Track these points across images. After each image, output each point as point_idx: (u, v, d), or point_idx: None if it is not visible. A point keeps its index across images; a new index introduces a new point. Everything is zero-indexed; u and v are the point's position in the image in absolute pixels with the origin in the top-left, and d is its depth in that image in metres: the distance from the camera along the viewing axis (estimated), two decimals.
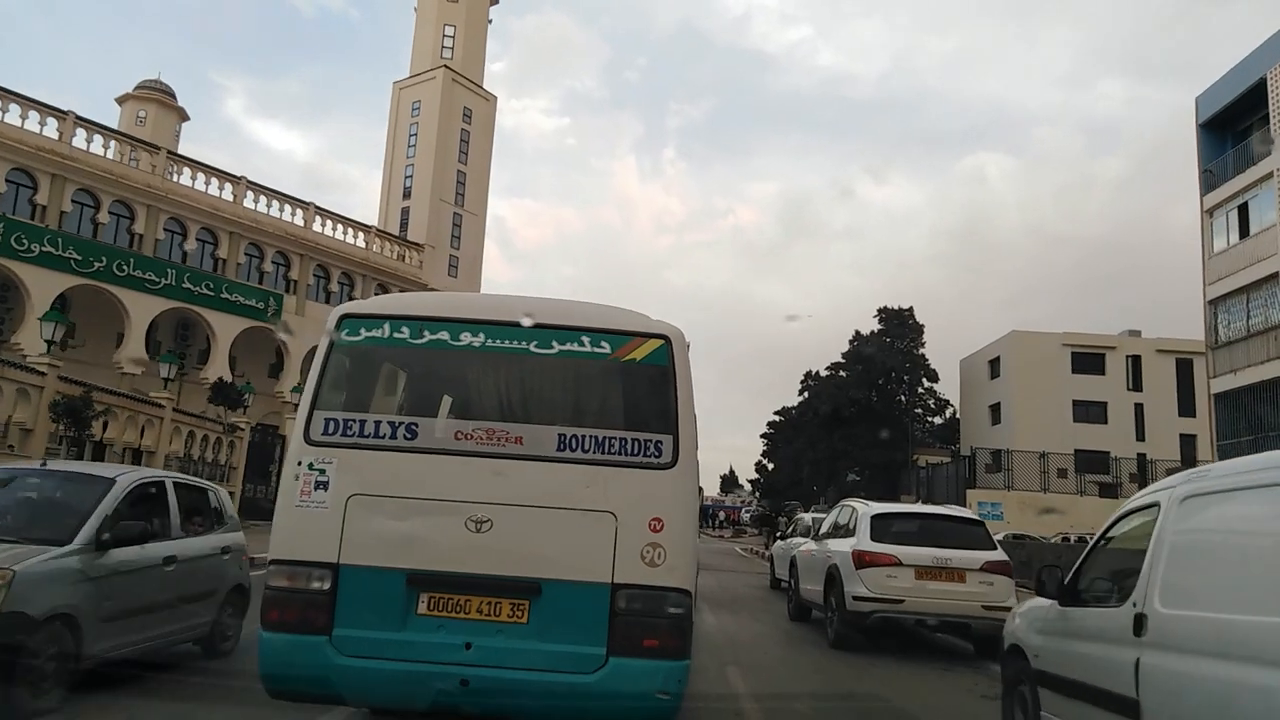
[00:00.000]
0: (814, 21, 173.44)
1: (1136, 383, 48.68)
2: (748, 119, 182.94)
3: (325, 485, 4.33)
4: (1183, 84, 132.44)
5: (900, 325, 57.18)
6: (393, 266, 44.93)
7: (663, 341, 4.59)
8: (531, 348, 4.63)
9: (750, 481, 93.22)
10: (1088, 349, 48.98)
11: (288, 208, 41.02)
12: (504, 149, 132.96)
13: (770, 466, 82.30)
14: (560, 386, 4.92)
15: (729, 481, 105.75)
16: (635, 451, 4.42)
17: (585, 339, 4.61)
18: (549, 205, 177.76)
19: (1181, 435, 47.38)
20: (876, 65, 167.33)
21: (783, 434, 75.57)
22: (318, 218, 42.09)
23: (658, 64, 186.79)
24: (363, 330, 4.74)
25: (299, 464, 4.40)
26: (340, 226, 43.33)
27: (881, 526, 9.39)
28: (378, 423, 4.54)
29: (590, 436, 4.45)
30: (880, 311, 57.85)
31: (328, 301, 42.06)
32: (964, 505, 37.83)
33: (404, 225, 49.01)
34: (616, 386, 4.92)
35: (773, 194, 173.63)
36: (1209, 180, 26.85)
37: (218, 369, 36.10)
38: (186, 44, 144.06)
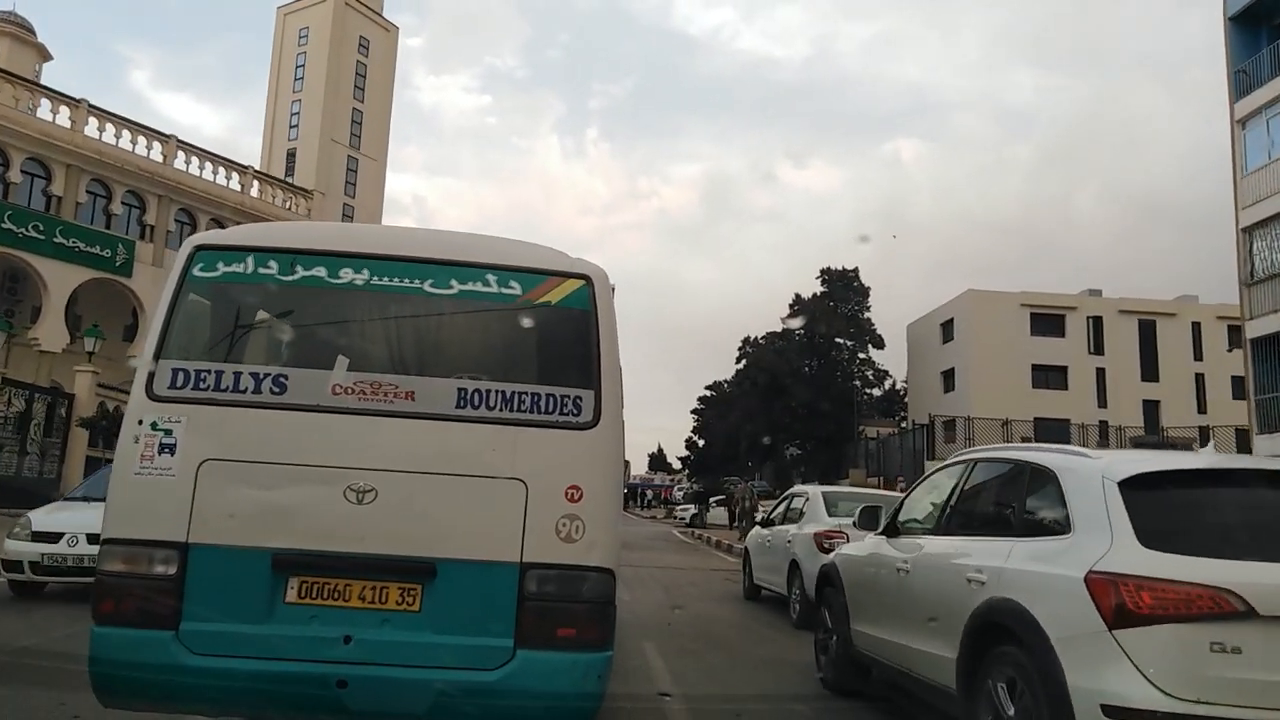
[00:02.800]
0: (736, 5, 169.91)
1: (1098, 345, 45.51)
2: (671, 101, 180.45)
3: (171, 449, 3.65)
4: (1089, 73, 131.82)
5: (845, 287, 53.12)
6: (274, 213, 38.64)
7: (583, 282, 3.98)
8: (427, 287, 3.95)
9: (680, 459, 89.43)
10: (1047, 309, 45.60)
11: (143, 140, 34.54)
12: (424, 127, 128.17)
13: (701, 443, 78.28)
14: (461, 333, 4.23)
15: (658, 460, 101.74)
16: (550, 409, 3.80)
17: (491, 278, 3.95)
18: (470, 184, 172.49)
19: (1144, 401, 44.42)
20: (798, 50, 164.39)
21: (715, 409, 71.67)
22: (181, 153, 35.70)
23: (579, 42, 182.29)
24: (221, 264, 3.98)
25: (139, 423, 3.68)
26: (210, 165, 37.00)
27: (1173, 505, 3.89)
28: (237, 374, 3.80)
29: (496, 392, 3.81)
30: (823, 272, 53.69)
31: None
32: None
33: (290, 169, 42.79)
34: (528, 333, 4.14)
35: (697, 176, 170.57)
36: (1241, 83, 22.75)
37: (52, 328, 29.89)
38: (89, 11, 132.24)
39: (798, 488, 13.16)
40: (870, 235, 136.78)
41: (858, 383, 56.62)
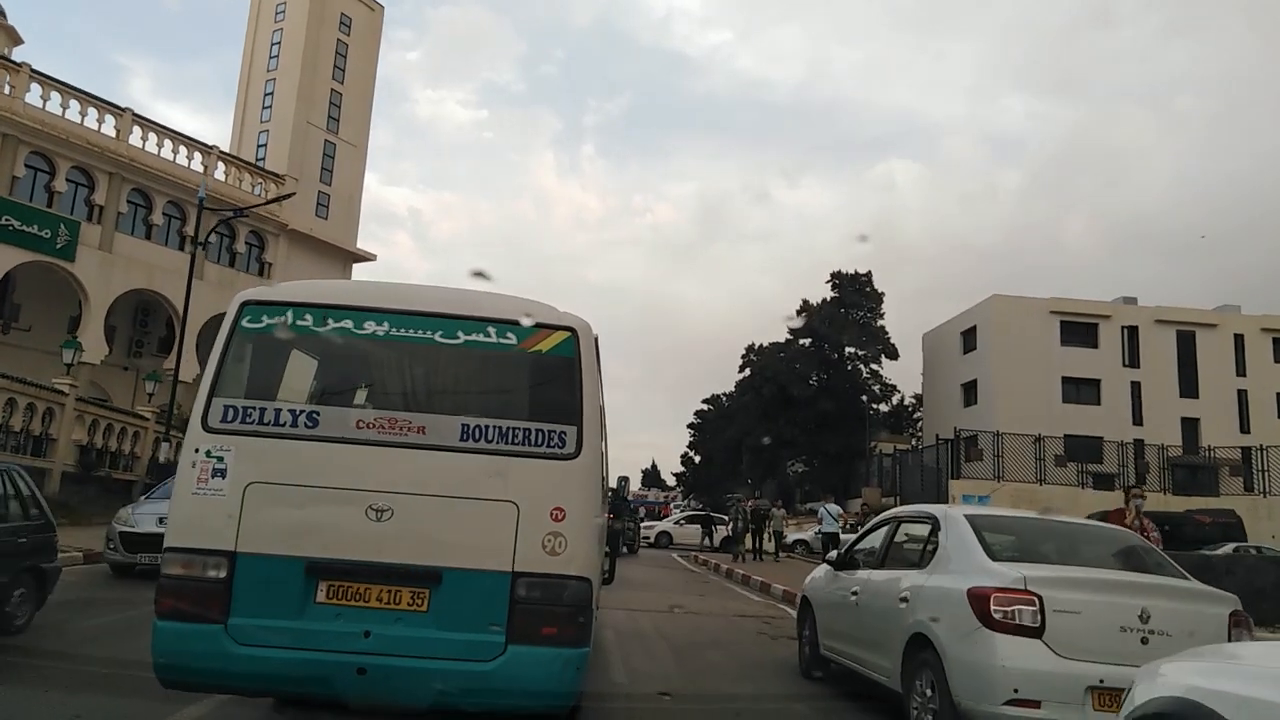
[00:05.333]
0: (734, 27, 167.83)
1: (1133, 358, 42.23)
2: (666, 119, 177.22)
3: (223, 473, 4.35)
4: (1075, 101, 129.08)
5: (856, 292, 49.79)
6: (241, 198, 35.19)
7: (569, 333, 4.64)
8: (437, 337, 4.66)
9: (676, 476, 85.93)
10: (1079, 317, 42.30)
11: (93, 111, 31.14)
12: (420, 139, 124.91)
13: (698, 459, 74.84)
14: (465, 377, 4.97)
15: (652, 477, 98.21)
16: (538, 442, 4.47)
17: (491, 329, 4.64)
18: (465, 198, 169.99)
19: (1183, 419, 41.14)
20: (794, 72, 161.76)
21: (712, 424, 68.34)
22: (136, 129, 32.29)
23: (575, 59, 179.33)
24: (265, 317, 4.73)
25: (196, 451, 4.41)
26: (170, 143, 33.61)
27: None
28: (278, 410, 4.53)
29: (493, 427, 4.48)
30: (834, 276, 50.37)
31: (148, 236, 32.43)
32: (946, 497, 30.54)
33: (261, 153, 39.42)
34: (521, 377, 4.94)
35: (691, 194, 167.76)
36: None
37: None
38: (87, 21, 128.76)
39: (912, 508, 7.75)
40: (863, 256, 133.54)
41: (864, 397, 53.30)
